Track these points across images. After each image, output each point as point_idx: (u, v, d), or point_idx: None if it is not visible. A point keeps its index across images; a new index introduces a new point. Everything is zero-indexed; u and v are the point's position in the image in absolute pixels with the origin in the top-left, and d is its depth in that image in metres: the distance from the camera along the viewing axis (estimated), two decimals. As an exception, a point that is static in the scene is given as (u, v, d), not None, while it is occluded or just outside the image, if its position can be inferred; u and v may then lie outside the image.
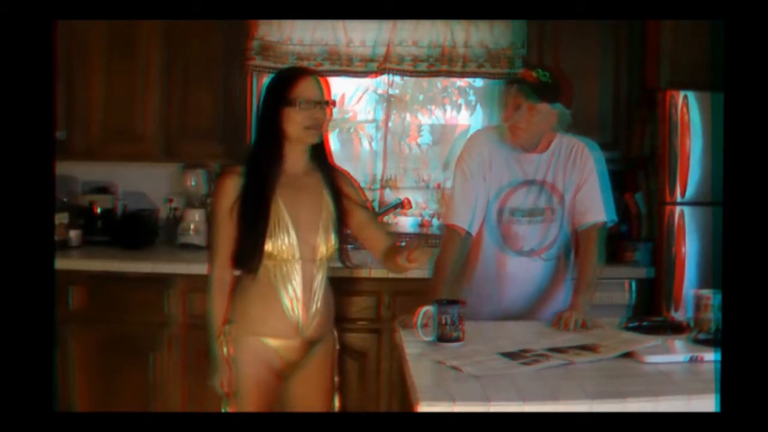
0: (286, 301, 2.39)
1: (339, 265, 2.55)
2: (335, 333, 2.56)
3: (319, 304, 2.43)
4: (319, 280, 2.43)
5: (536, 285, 2.67)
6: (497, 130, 2.75)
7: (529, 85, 2.52)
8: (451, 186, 2.72)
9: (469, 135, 2.95)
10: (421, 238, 3.83)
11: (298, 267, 2.39)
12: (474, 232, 2.64)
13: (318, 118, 2.38)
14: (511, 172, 2.64)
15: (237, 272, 2.43)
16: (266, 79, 2.52)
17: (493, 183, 2.63)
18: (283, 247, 2.36)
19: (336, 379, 2.56)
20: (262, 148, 2.40)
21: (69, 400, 3.53)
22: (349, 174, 2.57)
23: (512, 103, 2.56)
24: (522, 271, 2.66)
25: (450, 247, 2.62)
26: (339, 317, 3.49)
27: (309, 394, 2.50)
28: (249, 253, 2.36)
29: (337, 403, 2.56)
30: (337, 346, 2.57)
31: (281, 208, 2.37)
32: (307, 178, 2.44)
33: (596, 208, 2.63)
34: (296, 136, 2.38)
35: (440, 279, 2.58)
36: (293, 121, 2.36)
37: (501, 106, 2.66)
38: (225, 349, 2.40)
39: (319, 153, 2.47)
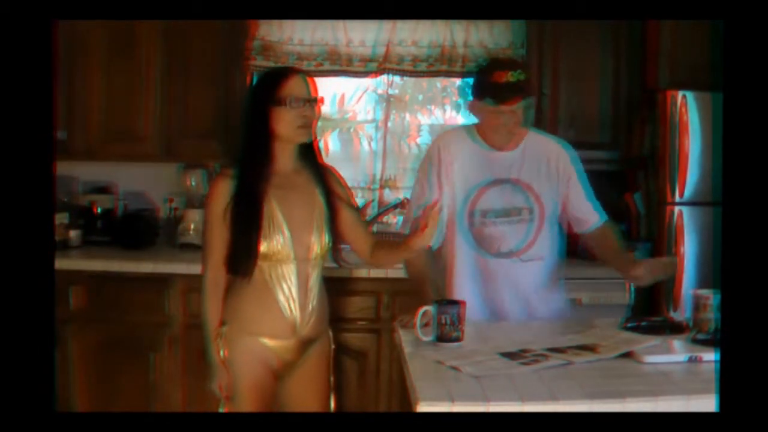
0: (282, 301, 2.39)
1: (334, 265, 2.55)
2: (330, 332, 2.56)
3: (314, 303, 2.44)
4: (314, 279, 2.44)
5: (522, 287, 2.59)
6: (465, 130, 2.68)
7: (521, 88, 2.46)
8: (411, 195, 2.69)
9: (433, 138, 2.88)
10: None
11: (293, 267, 2.39)
12: (434, 244, 2.56)
13: (308, 117, 2.38)
14: (479, 173, 2.58)
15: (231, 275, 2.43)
16: (254, 80, 2.50)
17: (458, 186, 2.58)
18: (278, 248, 2.36)
19: (331, 378, 2.56)
20: (252, 149, 2.38)
21: (69, 400, 3.53)
22: (337, 172, 2.57)
23: (506, 111, 2.48)
24: (504, 273, 2.58)
25: (416, 257, 2.53)
26: (338, 317, 3.49)
27: (305, 394, 2.51)
28: (243, 256, 2.35)
29: (332, 403, 2.56)
30: (333, 346, 2.57)
31: (274, 209, 2.37)
32: (298, 177, 2.44)
33: (596, 208, 2.66)
34: (287, 135, 2.38)
35: (423, 282, 2.55)
36: (284, 120, 2.36)
37: (488, 114, 2.52)
38: (222, 352, 2.39)
39: (308, 151, 2.47)
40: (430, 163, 2.62)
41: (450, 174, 2.58)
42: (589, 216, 2.67)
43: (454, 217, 2.59)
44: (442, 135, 2.79)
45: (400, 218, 4.11)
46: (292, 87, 2.36)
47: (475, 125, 2.62)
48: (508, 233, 2.58)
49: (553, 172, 2.62)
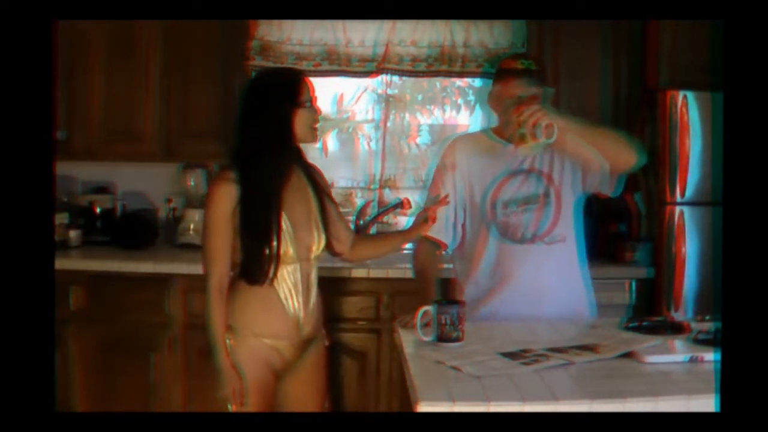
0: (287, 302, 2.39)
1: (331, 261, 2.56)
2: (323, 330, 2.57)
3: (314, 301, 2.46)
4: (314, 277, 2.46)
5: (545, 271, 2.59)
6: (481, 130, 2.79)
7: (528, 75, 2.52)
8: (426, 197, 2.73)
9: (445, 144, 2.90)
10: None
11: (297, 267, 2.39)
12: (452, 243, 2.66)
13: (318, 117, 2.43)
14: (496, 167, 2.62)
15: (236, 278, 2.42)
16: (256, 81, 2.48)
17: (477, 183, 2.62)
18: (284, 250, 2.36)
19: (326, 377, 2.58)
20: (274, 152, 2.36)
21: (69, 400, 3.53)
22: (318, 169, 2.59)
23: (511, 96, 2.53)
24: (528, 258, 2.59)
25: (427, 255, 2.65)
26: (338, 317, 3.50)
27: (304, 393, 2.52)
28: (264, 264, 2.33)
29: (328, 402, 2.59)
30: (327, 343, 2.58)
31: (280, 212, 2.37)
32: (293, 177, 2.44)
33: None
34: (304, 136, 2.41)
35: (428, 281, 2.59)
36: (302, 121, 2.38)
37: (498, 102, 2.60)
38: (231, 358, 2.37)
39: (297, 151, 2.48)
40: (445, 165, 2.67)
41: (466, 174, 2.63)
42: None
43: (477, 213, 2.62)
44: (458, 138, 2.85)
45: (400, 218, 4.13)
46: (307, 88, 2.40)
47: (492, 127, 2.70)
48: (531, 220, 2.60)
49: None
